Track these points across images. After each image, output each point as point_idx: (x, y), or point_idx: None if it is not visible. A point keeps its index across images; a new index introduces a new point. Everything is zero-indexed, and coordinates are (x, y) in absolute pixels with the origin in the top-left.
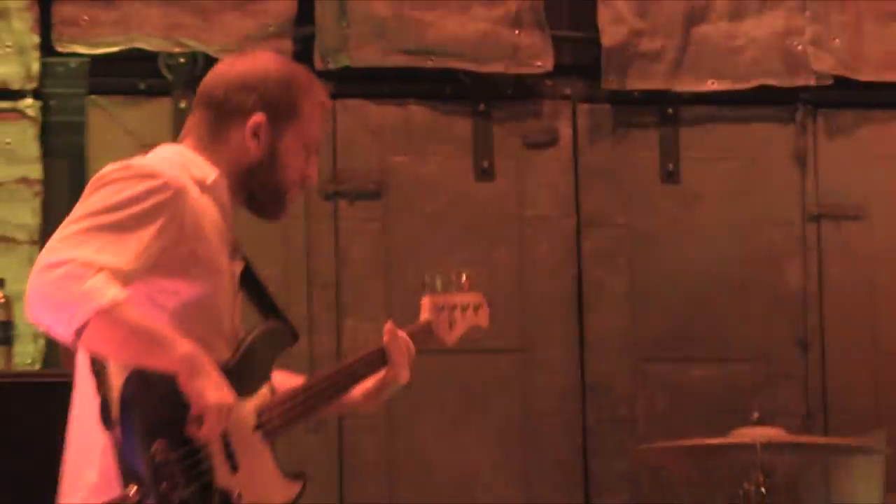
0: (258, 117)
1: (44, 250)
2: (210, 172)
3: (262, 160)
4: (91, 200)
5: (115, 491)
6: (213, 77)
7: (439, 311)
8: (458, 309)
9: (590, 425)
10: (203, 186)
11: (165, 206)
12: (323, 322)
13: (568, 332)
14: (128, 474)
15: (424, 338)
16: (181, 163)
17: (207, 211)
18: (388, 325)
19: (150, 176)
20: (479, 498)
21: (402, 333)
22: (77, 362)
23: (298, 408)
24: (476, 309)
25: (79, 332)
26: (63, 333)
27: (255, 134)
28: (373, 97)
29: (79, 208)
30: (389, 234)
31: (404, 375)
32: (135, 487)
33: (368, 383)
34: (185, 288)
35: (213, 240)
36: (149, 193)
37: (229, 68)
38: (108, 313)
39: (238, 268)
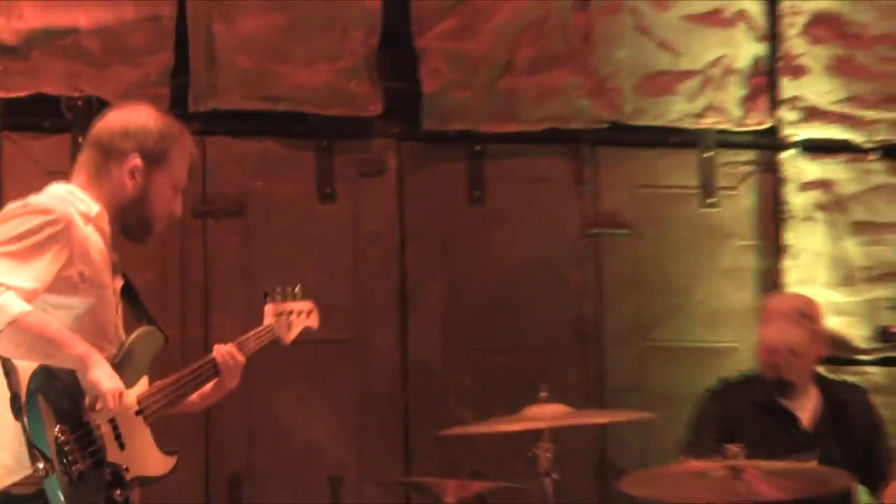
0: (135, 160)
1: None
2: (94, 206)
3: (136, 196)
4: None
5: (27, 471)
6: (102, 124)
7: (279, 317)
8: (293, 314)
9: (410, 402)
10: (88, 218)
11: (58, 236)
12: (194, 317)
13: (393, 326)
14: (35, 454)
15: (267, 338)
16: (70, 199)
17: (92, 238)
18: (222, 348)
19: (45, 212)
20: (321, 461)
21: (231, 351)
22: None
23: (170, 395)
24: (308, 314)
25: None
26: None
27: (132, 174)
28: (235, 134)
29: None
30: (248, 245)
31: (234, 383)
32: (42, 464)
33: (207, 387)
34: (76, 303)
35: (97, 262)
36: (44, 226)
37: (115, 117)
38: (17, 323)
39: (118, 283)
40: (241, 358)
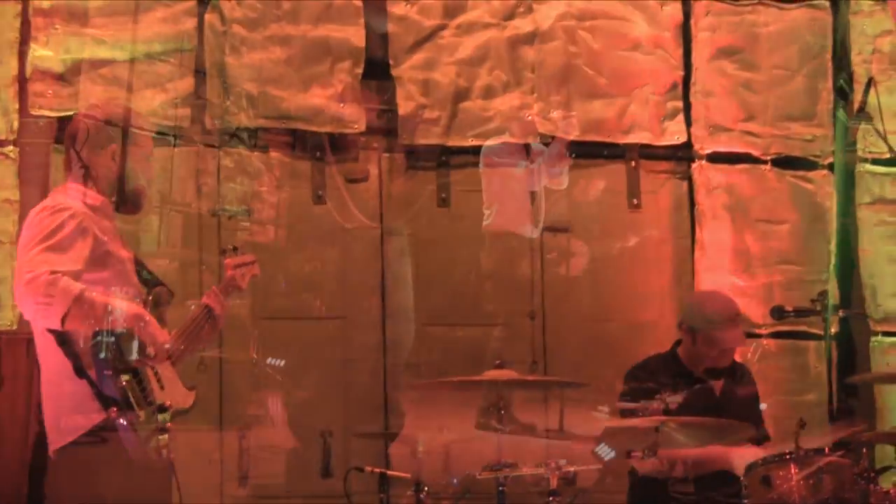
0: (112, 147)
1: (17, 273)
2: (98, 197)
3: (118, 172)
4: (32, 233)
5: (92, 419)
6: (72, 129)
7: (235, 268)
8: (244, 265)
9: (388, 369)
10: (95, 208)
11: (79, 226)
12: None
13: (374, 306)
14: (105, 402)
15: (231, 285)
16: (78, 195)
17: (102, 222)
18: (213, 291)
19: (63, 210)
20: (314, 417)
21: (218, 293)
22: (37, 340)
23: (188, 341)
24: (252, 264)
25: (63, 319)
26: (53, 323)
27: (113, 156)
28: (245, 147)
29: (25, 241)
30: (255, 238)
31: (221, 320)
32: (114, 409)
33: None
34: (107, 276)
35: (112, 238)
36: (66, 220)
37: (70, 131)
38: (79, 300)
39: (131, 255)
40: (225, 302)
